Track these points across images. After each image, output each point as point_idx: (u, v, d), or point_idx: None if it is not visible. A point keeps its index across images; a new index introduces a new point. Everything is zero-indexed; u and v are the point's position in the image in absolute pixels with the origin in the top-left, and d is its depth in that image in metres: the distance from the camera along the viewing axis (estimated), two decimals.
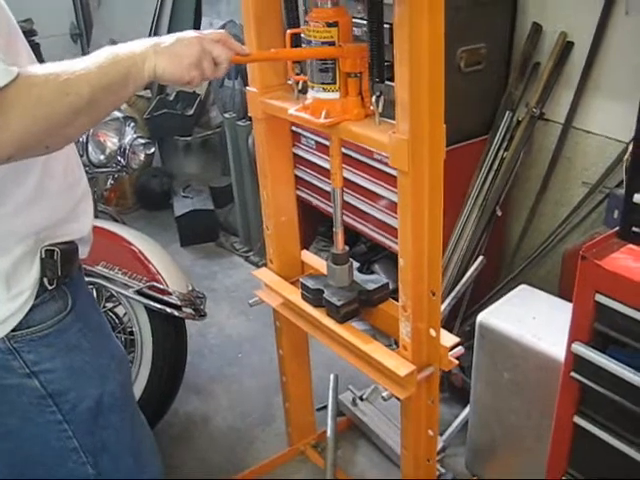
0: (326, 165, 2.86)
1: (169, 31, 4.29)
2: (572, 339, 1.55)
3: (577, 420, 1.62)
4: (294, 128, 2.53)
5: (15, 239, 1.21)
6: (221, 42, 1.27)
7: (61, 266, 1.26)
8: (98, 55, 1.11)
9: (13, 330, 1.23)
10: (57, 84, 1.03)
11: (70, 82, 1.04)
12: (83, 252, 1.39)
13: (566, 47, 2.41)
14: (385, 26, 1.46)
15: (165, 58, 1.15)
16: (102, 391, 1.36)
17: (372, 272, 3.04)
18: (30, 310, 1.24)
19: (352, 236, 2.88)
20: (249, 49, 1.69)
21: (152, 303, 2.21)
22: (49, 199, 1.25)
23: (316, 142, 2.90)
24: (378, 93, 1.45)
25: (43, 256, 1.24)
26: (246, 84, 1.82)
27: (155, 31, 4.31)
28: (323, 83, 1.52)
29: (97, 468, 1.39)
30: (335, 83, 1.51)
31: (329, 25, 1.46)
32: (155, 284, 2.21)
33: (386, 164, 2.51)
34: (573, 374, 1.57)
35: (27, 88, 1.01)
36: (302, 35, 1.57)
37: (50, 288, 1.25)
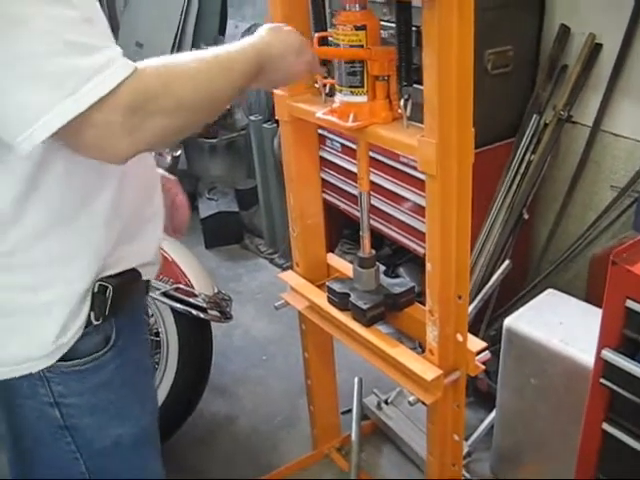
0: (352, 168, 2.85)
1: (195, 34, 4.31)
2: (602, 345, 1.53)
3: (606, 427, 1.60)
4: (319, 130, 2.53)
5: (91, 260, 1.17)
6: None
7: (110, 304, 1.20)
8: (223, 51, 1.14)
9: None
10: (198, 75, 1.06)
11: (211, 73, 1.08)
12: (148, 273, 1.34)
13: (595, 49, 2.38)
14: (412, 29, 1.46)
15: (265, 83, 1.29)
16: (122, 432, 1.31)
17: (397, 275, 3.03)
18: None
19: (377, 239, 2.87)
20: None
21: (178, 305, 2.22)
22: (120, 217, 1.20)
23: (342, 145, 2.90)
24: (406, 96, 1.44)
25: (96, 290, 1.18)
26: None
27: (181, 34, 4.33)
28: (351, 86, 1.51)
29: None
30: (363, 86, 1.51)
31: (357, 29, 1.45)
32: (181, 286, 2.22)
33: (412, 167, 2.53)
34: (603, 381, 1.55)
35: (167, 79, 1.01)
36: (330, 39, 1.57)
37: (96, 324, 1.20)
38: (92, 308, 1.19)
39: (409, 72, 1.44)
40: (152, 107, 0.97)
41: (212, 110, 1.11)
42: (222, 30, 4.25)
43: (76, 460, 1.29)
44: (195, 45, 4.34)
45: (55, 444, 1.27)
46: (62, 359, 1.19)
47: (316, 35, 1.60)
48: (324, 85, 1.66)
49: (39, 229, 1.11)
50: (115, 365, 1.26)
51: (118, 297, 1.21)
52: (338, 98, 1.57)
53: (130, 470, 1.37)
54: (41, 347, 1.16)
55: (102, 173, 1.14)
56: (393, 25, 1.49)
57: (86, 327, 1.20)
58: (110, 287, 1.18)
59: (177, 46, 4.24)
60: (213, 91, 1.08)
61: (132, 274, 1.26)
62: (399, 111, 1.49)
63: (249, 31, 3.78)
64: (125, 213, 1.21)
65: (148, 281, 1.40)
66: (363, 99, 1.52)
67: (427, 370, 1.58)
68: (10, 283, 1.14)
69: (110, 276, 1.20)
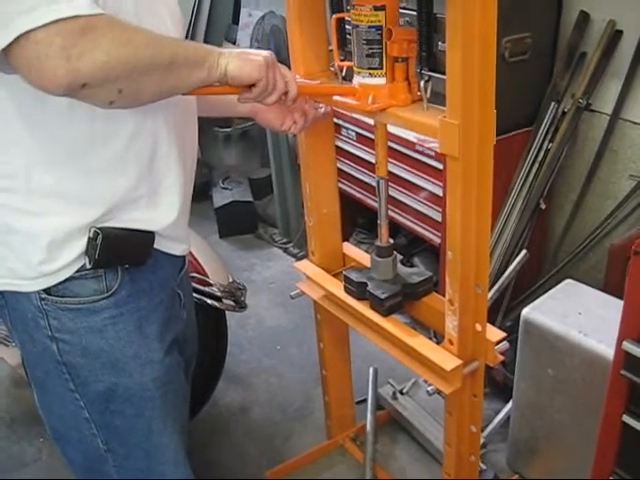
0: (366, 157, 2.84)
1: (209, 21, 4.29)
2: (623, 336, 1.50)
3: (626, 419, 1.58)
4: (334, 119, 2.52)
5: (84, 203, 1.24)
6: None
7: (105, 254, 1.25)
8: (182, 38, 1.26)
9: (48, 293, 1.26)
10: (146, 36, 1.10)
11: (157, 40, 1.12)
12: (169, 247, 1.39)
13: (615, 36, 2.35)
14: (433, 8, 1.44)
15: (236, 59, 1.24)
16: (116, 381, 1.36)
17: (412, 265, 3.01)
18: (68, 280, 1.26)
19: (392, 228, 2.85)
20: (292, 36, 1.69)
21: (193, 294, 2.21)
22: (129, 168, 1.26)
23: (357, 133, 2.88)
24: (426, 78, 1.42)
25: (91, 236, 1.24)
26: None
27: (194, 22, 4.31)
28: (370, 68, 1.49)
29: (108, 446, 1.42)
30: (382, 68, 1.48)
31: (376, 9, 1.42)
32: (196, 275, 2.20)
33: (428, 156, 2.51)
34: (623, 372, 1.53)
35: (120, 27, 1.06)
36: (348, 19, 1.54)
37: (88, 267, 1.26)
38: (87, 252, 1.25)
39: (430, 53, 1.42)
40: (95, 40, 1.01)
41: (156, 64, 1.11)
42: (236, 18, 4.23)
43: (77, 401, 1.36)
44: (208, 33, 4.32)
45: (57, 378, 1.35)
46: (60, 295, 1.27)
47: (334, 17, 1.58)
48: (340, 68, 1.64)
49: (39, 160, 1.19)
50: (109, 315, 1.31)
51: (116, 250, 1.27)
52: (356, 80, 1.54)
53: (132, 429, 1.42)
54: (27, 268, 1.25)
55: (107, 128, 1.20)
56: (409, 12, 1.48)
57: (81, 270, 1.26)
58: (100, 234, 1.24)
59: (190, 34, 4.21)
60: (158, 46, 1.12)
61: (140, 235, 1.31)
62: (418, 93, 1.47)
63: (263, 19, 3.75)
64: (132, 175, 1.27)
65: (182, 258, 1.50)
66: (382, 81, 1.49)
67: (446, 360, 1.57)
68: (8, 203, 1.22)
69: (110, 227, 1.26)
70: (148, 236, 1.32)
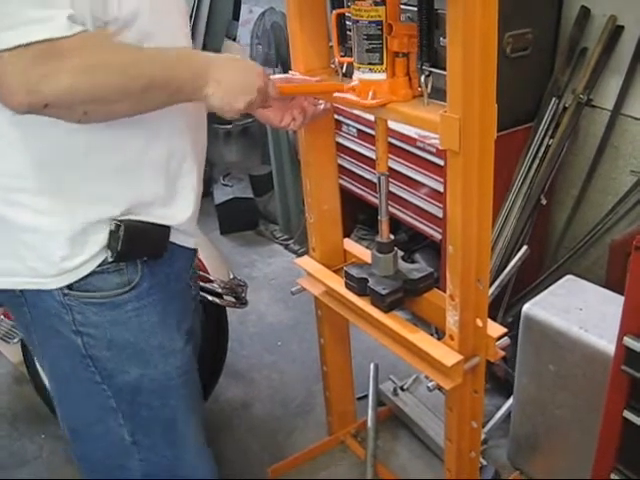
0: (368, 153, 2.84)
1: (209, 18, 4.27)
2: (624, 332, 1.50)
3: (627, 415, 1.58)
4: (335, 116, 2.52)
5: (105, 203, 1.25)
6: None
7: (123, 243, 1.26)
8: (169, 51, 1.21)
9: (70, 289, 1.27)
10: (125, 61, 1.10)
11: (135, 65, 1.11)
12: (184, 240, 1.42)
13: (616, 31, 2.34)
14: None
15: (221, 96, 1.24)
16: (142, 373, 1.37)
17: (413, 261, 3.01)
18: (90, 275, 1.27)
19: (393, 224, 2.85)
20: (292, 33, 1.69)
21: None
22: (144, 172, 1.28)
23: (358, 130, 2.88)
24: (427, 73, 1.41)
25: (112, 228, 1.25)
26: (286, 71, 1.80)
27: (194, 19, 4.30)
28: (370, 63, 1.49)
29: (134, 437, 1.43)
30: (382, 64, 1.48)
31: (376, 4, 1.42)
32: (197, 271, 2.20)
33: (429, 152, 2.51)
34: (624, 367, 1.53)
35: (94, 51, 1.06)
36: (348, 15, 1.54)
37: (110, 260, 1.27)
38: (109, 245, 1.26)
39: (431, 48, 1.42)
40: (58, 66, 1.01)
41: (127, 92, 1.11)
42: (236, 14, 4.22)
43: (104, 392, 1.37)
44: (208, 30, 4.31)
45: (83, 372, 1.35)
46: (83, 290, 1.28)
47: (334, 12, 1.58)
48: (341, 64, 1.64)
49: (45, 160, 1.20)
50: (133, 307, 1.33)
51: (136, 242, 1.29)
52: (356, 76, 1.54)
53: (157, 419, 1.43)
54: (49, 266, 1.25)
55: (118, 137, 1.22)
56: (410, 8, 1.47)
57: (103, 264, 1.27)
58: (122, 226, 1.25)
59: (191, 31, 4.21)
60: (133, 73, 1.10)
61: (157, 228, 1.32)
62: (419, 89, 1.47)
63: (264, 15, 3.75)
64: (148, 178, 1.28)
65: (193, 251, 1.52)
66: (382, 76, 1.49)
67: (447, 355, 1.57)
68: (23, 202, 1.22)
69: (131, 219, 1.27)
70: (164, 229, 1.35)
